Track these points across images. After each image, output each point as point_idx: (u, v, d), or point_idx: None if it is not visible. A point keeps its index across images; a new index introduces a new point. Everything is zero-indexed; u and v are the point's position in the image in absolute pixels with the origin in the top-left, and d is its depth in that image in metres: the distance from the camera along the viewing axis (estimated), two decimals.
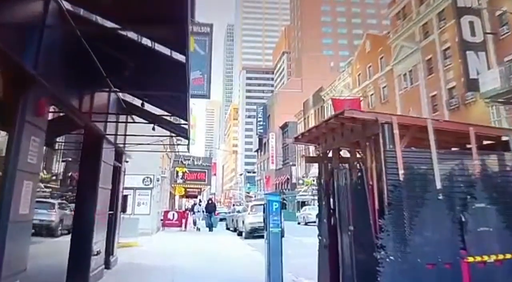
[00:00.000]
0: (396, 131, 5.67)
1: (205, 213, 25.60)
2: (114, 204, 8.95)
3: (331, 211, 7.43)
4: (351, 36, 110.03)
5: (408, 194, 5.41)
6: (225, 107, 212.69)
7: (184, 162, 30.19)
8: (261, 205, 22.11)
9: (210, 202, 27.40)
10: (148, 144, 8.57)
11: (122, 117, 9.00)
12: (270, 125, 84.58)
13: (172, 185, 31.00)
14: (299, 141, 8.03)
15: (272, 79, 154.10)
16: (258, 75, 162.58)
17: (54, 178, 6.63)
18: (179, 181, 30.26)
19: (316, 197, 41.31)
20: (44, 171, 6.29)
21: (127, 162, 10.35)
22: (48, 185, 6.41)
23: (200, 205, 27.28)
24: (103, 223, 7.45)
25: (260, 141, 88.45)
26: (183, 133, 7.84)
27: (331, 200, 7.51)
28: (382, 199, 5.49)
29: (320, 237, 7.77)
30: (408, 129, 5.95)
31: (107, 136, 7.12)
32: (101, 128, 6.76)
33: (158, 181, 20.20)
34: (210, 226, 24.58)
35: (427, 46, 35.89)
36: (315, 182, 53.60)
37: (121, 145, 8.88)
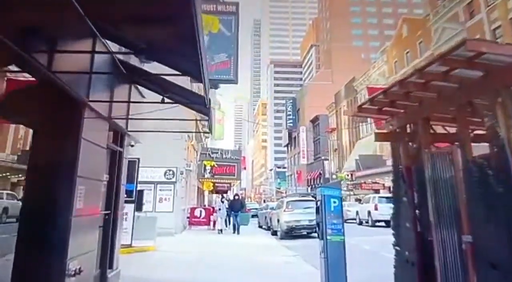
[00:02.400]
0: None
1: (229, 211, 21.44)
2: (113, 201, 6.84)
3: (417, 211, 5.12)
4: (382, 26, 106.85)
5: None
6: (253, 102, 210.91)
7: (211, 155, 28.14)
8: (298, 201, 20.00)
9: (236, 197, 23.47)
10: (157, 119, 6.37)
11: (124, 89, 6.88)
12: (300, 119, 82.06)
13: (200, 180, 29.10)
14: (365, 111, 5.68)
15: (301, 73, 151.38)
16: (286, 69, 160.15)
17: None
18: (207, 175, 28.20)
19: (352, 193, 38.37)
20: None
21: (132, 146, 8.20)
22: None
23: (222, 201, 22.56)
24: (89, 228, 5.37)
25: (290, 135, 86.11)
26: (201, 103, 5.64)
27: (415, 195, 5.22)
28: None
29: (398, 248, 5.45)
30: None
31: (92, 104, 4.97)
32: (78, 91, 4.66)
33: (182, 174, 18.13)
34: (236, 228, 20.47)
35: (473, 27, 32.69)
36: (349, 177, 50.82)
37: (121, 122, 6.69)
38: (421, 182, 4.89)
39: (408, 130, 5.52)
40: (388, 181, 40.70)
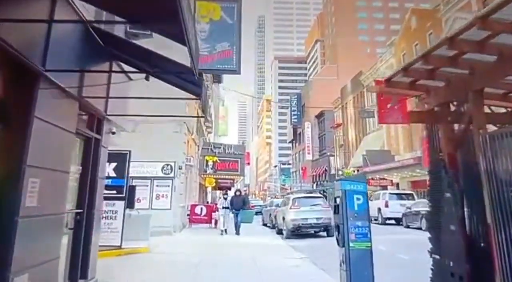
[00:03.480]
0: None
1: (230, 209, 19.07)
2: (87, 198, 5.75)
3: (465, 212, 4.02)
4: (388, 21, 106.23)
5: None
6: (258, 99, 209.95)
7: (214, 150, 27.07)
8: (305, 198, 18.92)
9: (238, 193, 20.76)
10: (142, 98, 5.29)
11: (102, 65, 5.79)
12: (304, 114, 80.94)
13: (202, 176, 28.07)
14: (394, 85, 4.57)
15: (305, 68, 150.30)
16: (291, 65, 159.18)
17: None
18: (209, 171, 27.14)
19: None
20: None
21: (113, 133, 7.09)
22: None
23: (225, 198, 19.95)
24: (48, 232, 4.30)
25: (295, 131, 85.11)
26: (194, 80, 4.55)
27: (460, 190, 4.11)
28: None
29: (438, 256, 4.34)
30: None
31: (51, 76, 3.85)
32: (27, 55, 3.52)
33: (180, 169, 17.01)
34: (237, 228, 18.37)
35: None
36: (355, 173, 49.45)
37: (99, 104, 5.55)
38: (472, 172, 3.79)
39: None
40: (396, 177, 39.49)
